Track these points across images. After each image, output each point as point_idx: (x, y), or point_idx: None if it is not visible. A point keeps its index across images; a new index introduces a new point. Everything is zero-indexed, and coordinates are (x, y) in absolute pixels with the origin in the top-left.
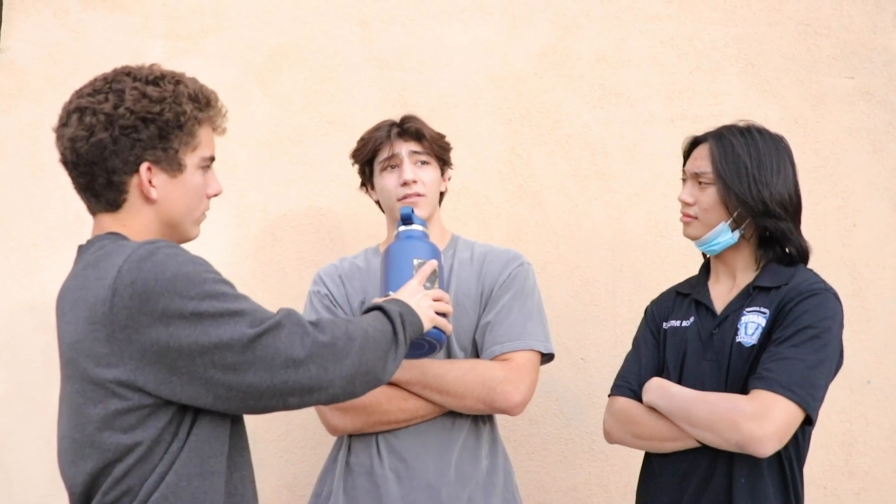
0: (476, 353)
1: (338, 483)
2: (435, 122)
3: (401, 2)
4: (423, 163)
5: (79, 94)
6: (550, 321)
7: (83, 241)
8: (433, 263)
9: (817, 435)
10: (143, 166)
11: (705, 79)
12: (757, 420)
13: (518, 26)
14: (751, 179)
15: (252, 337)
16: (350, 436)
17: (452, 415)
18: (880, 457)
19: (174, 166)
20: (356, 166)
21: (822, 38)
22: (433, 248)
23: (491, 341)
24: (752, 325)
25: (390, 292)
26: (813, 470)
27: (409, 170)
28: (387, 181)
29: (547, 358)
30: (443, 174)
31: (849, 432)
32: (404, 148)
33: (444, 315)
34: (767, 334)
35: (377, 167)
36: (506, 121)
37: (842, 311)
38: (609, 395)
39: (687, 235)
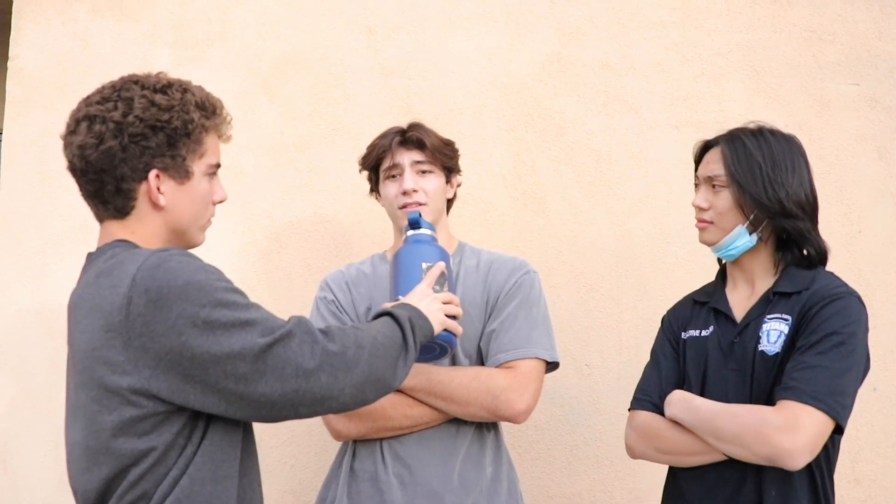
0: (481, 360)
1: (342, 489)
2: (439, 129)
3: (406, 10)
4: (426, 172)
5: (87, 101)
6: (555, 328)
7: (90, 248)
8: (441, 266)
9: None
10: (152, 173)
11: (710, 85)
12: (787, 432)
13: (522, 34)
14: (766, 180)
15: (263, 347)
16: (355, 442)
17: (457, 422)
18: (887, 465)
19: (182, 173)
20: (364, 173)
21: (826, 45)
22: (442, 252)
23: (496, 349)
24: (774, 333)
25: (400, 296)
26: None
27: (409, 179)
28: (389, 190)
29: (552, 366)
30: (449, 181)
31: (855, 440)
32: (406, 157)
33: (454, 317)
34: (791, 341)
35: (381, 175)
36: (510, 128)
37: (866, 314)
38: (630, 410)
39: (704, 241)
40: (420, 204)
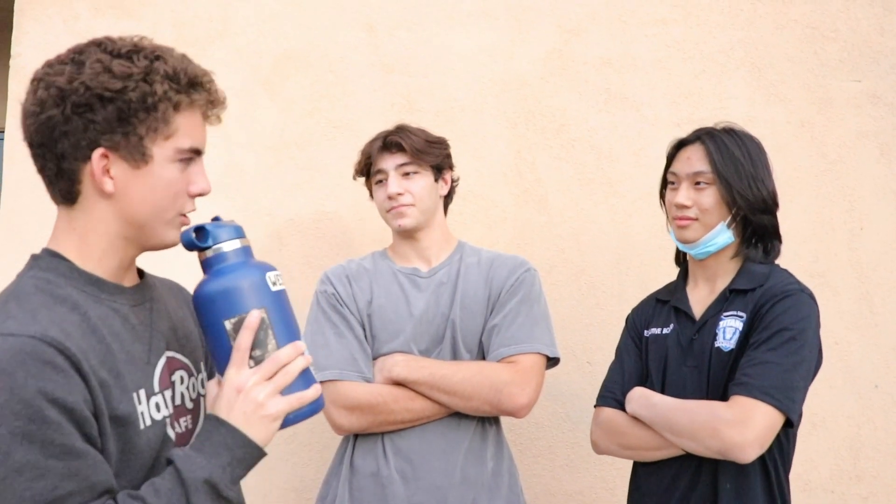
0: (482, 355)
1: (343, 486)
2: (440, 126)
3: (406, 7)
4: (411, 173)
5: (46, 63)
6: (556, 325)
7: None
8: (253, 320)
9: (825, 439)
10: (97, 153)
11: (711, 82)
12: (737, 426)
13: (523, 31)
14: (749, 177)
15: None
16: (355, 438)
17: (458, 416)
18: (888, 461)
19: (137, 156)
20: (361, 179)
21: (828, 41)
22: (249, 278)
23: (498, 344)
24: (729, 330)
25: (219, 376)
26: (821, 474)
27: (393, 183)
28: (378, 195)
29: (552, 362)
30: (438, 179)
31: (856, 437)
32: (390, 162)
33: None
34: (745, 338)
35: (373, 181)
36: (511, 125)
37: (817, 310)
38: (595, 406)
39: (684, 239)
40: (405, 206)
